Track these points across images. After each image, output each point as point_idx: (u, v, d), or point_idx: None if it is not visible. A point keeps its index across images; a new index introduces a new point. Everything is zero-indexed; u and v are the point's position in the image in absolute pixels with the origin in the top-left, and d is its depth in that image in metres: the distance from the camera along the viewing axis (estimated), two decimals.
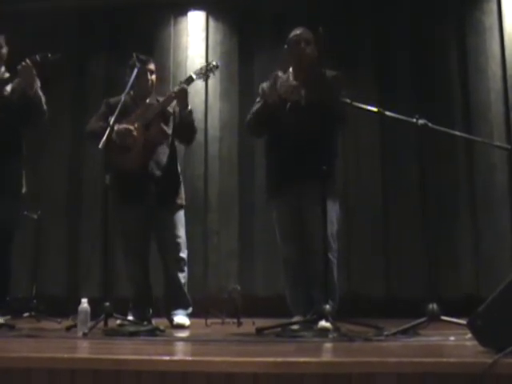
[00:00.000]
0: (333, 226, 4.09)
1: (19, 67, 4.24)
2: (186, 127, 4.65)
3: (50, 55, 4.22)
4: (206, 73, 4.63)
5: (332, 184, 4.09)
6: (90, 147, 4.34)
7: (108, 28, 6.95)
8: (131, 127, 4.51)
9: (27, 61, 4.21)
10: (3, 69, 4.50)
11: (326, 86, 3.98)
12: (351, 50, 6.33)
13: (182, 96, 4.56)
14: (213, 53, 6.80)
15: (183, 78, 6.34)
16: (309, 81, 4.01)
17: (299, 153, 3.94)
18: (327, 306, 3.43)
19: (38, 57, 4.22)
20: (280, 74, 4.30)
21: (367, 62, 6.46)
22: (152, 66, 4.75)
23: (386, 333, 3.27)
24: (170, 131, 4.65)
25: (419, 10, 6.44)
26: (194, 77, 4.61)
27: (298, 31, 4.21)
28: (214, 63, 4.65)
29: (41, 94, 4.38)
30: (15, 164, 4.48)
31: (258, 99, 4.39)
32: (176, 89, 4.59)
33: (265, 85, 4.38)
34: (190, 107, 4.63)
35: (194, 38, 6.87)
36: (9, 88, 4.41)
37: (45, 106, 4.42)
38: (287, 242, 4.25)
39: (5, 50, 4.52)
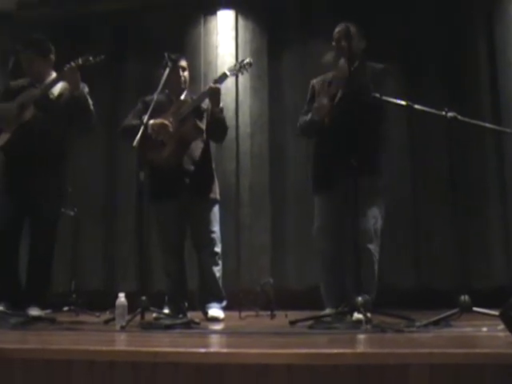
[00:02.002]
0: (376, 221, 4.07)
1: (64, 70, 4.32)
2: (217, 124, 4.65)
3: (91, 58, 4.28)
4: (239, 70, 4.61)
5: (376, 179, 4.07)
6: (125, 143, 4.36)
7: (141, 29, 6.97)
8: (166, 122, 4.52)
9: (72, 64, 4.28)
10: (54, 74, 4.57)
11: (364, 80, 3.95)
12: (379, 44, 6.26)
13: (216, 93, 4.55)
14: (242, 51, 6.79)
15: (214, 76, 6.39)
16: (353, 75, 3.96)
17: (343, 148, 3.90)
18: (359, 298, 3.40)
19: (80, 60, 4.29)
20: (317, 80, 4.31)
21: (395, 56, 6.39)
22: (184, 63, 4.77)
23: (417, 324, 3.24)
24: (204, 127, 4.65)
25: (448, 7, 6.37)
26: (228, 73, 4.60)
27: (338, 27, 4.19)
28: (247, 60, 4.62)
29: (88, 96, 4.45)
30: (62, 165, 4.56)
31: (308, 96, 4.39)
32: (210, 86, 4.59)
33: (315, 81, 4.37)
34: (221, 104, 4.62)
35: (224, 37, 6.87)
36: (56, 92, 4.49)
37: (92, 108, 4.49)
38: (324, 235, 4.22)
39: (53, 56, 4.60)
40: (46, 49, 4.60)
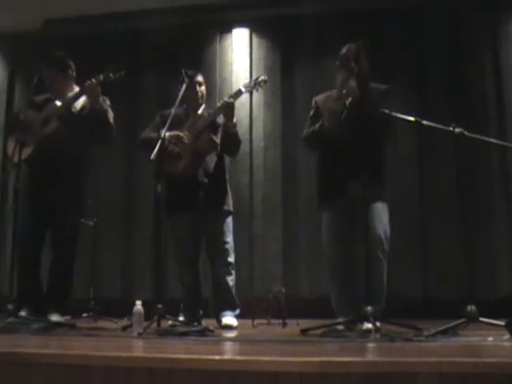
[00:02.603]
0: (386, 229, 4.06)
1: (85, 86, 4.39)
2: (230, 139, 4.63)
3: (111, 74, 4.33)
4: (254, 86, 4.61)
5: (381, 189, 4.06)
6: (143, 154, 4.39)
7: (159, 46, 7.01)
8: (181, 134, 4.53)
9: (92, 80, 4.34)
10: (76, 88, 4.62)
11: (373, 99, 3.94)
12: (388, 62, 6.28)
13: (229, 108, 4.55)
14: (256, 67, 6.83)
15: (229, 91, 6.41)
16: (360, 94, 3.96)
17: (349, 160, 3.89)
18: (369, 308, 3.39)
19: (101, 76, 4.35)
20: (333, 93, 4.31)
21: (403, 74, 6.40)
22: (200, 78, 4.78)
23: (425, 333, 3.22)
24: (218, 141, 4.64)
25: (454, 24, 6.38)
26: (243, 90, 4.60)
27: (344, 49, 4.17)
28: (263, 78, 4.62)
29: (109, 110, 4.53)
30: (80, 177, 4.59)
31: (311, 112, 4.38)
32: (225, 100, 4.59)
33: (319, 98, 4.38)
34: (235, 119, 4.62)
35: (239, 54, 6.91)
36: (78, 105, 4.54)
37: (112, 121, 4.53)
38: (335, 245, 4.20)
39: (72, 71, 4.69)
40: (64, 65, 4.67)
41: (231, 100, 4.54)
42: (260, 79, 4.61)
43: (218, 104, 4.75)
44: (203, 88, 4.82)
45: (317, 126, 4.26)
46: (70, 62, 4.71)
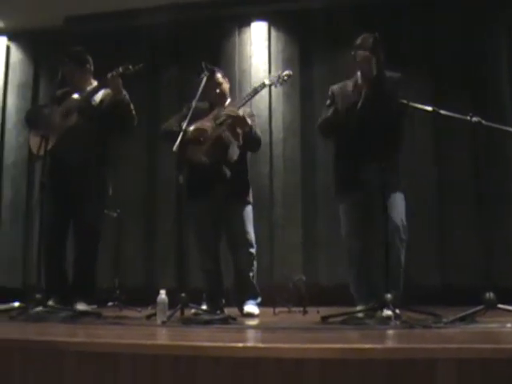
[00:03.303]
0: (403, 217, 4.04)
1: (107, 78, 4.42)
2: (249, 140, 4.61)
3: (131, 67, 4.35)
4: (278, 80, 4.58)
5: (398, 177, 4.04)
6: (165, 145, 4.40)
7: (179, 40, 7.03)
8: (204, 127, 4.52)
9: (113, 73, 4.39)
10: (95, 83, 4.65)
11: (388, 91, 3.91)
12: (403, 52, 6.23)
13: (238, 121, 4.48)
14: (275, 60, 6.82)
15: (248, 84, 6.43)
16: (374, 84, 3.93)
17: (365, 150, 3.87)
18: (389, 295, 3.38)
19: (121, 69, 4.38)
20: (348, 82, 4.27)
21: (420, 64, 6.35)
22: (219, 78, 4.73)
23: (444, 320, 3.21)
24: (240, 132, 4.61)
25: (469, 11, 6.32)
26: (267, 83, 4.57)
27: (360, 39, 4.14)
28: (287, 72, 4.58)
29: (129, 101, 4.52)
30: (103, 169, 4.62)
31: (328, 102, 4.34)
32: (237, 115, 4.50)
33: (335, 87, 4.35)
34: (249, 122, 4.54)
35: (258, 47, 6.91)
36: (97, 98, 4.57)
37: (134, 112, 4.56)
38: (353, 235, 4.17)
39: (90, 66, 4.72)
40: (82, 60, 4.69)
41: (239, 114, 4.46)
42: (285, 73, 4.58)
43: (245, 96, 4.69)
44: (223, 87, 4.78)
45: (330, 112, 4.24)
46: (88, 56, 4.74)
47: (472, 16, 6.33)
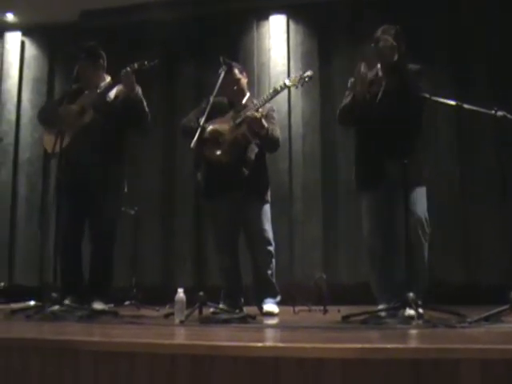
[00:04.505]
0: (426, 213, 4.02)
1: (121, 74, 4.42)
2: (265, 142, 4.62)
3: (146, 62, 4.37)
4: (299, 81, 4.56)
5: (420, 172, 4.02)
6: (183, 140, 4.42)
7: (197, 34, 7.03)
8: (222, 130, 4.53)
9: (127, 69, 4.38)
10: (109, 78, 4.66)
11: (410, 81, 3.89)
12: (428, 45, 6.19)
13: (254, 122, 4.47)
14: (294, 54, 6.82)
15: (267, 77, 6.43)
16: (395, 76, 3.92)
17: (387, 143, 3.86)
18: (411, 294, 3.37)
19: (136, 64, 4.39)
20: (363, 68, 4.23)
21: (443, 57, 6.31)
22: (236, 74, 4.72)
23: (469, 320, 3.20)
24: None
25: (495, 5, 6.27)
26: (288, 84, 4.56)
27: (380, 31, 4.11)
28: (309, 73, 4.56)
29: (142, 97, 4.53)
30: (119, 166, 4.64)
31: (346, 93, 4.32)
32: (250, 114, 4.48)
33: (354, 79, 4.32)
34: (266, 125, 4.51)
35: (276, 41, 6.90)
36: (112, 95, 4.58)
37: (147, 109, 4.57)
38: (375, 232, 4.14)
39: (103, 61, 4.72)
40: (95, 55, 4.68)
41: (256, 116, 4.44)
42: (306, 74, 4.56)
43: (265, 96, 4.67)
44: (241, 82, 4.77)
45: (348, 98, 4.22)
46: (101, 51, 4.73)
47: (497, 7, 6.27)
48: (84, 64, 4.62)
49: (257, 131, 4.50)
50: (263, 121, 4.48)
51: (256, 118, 4.44)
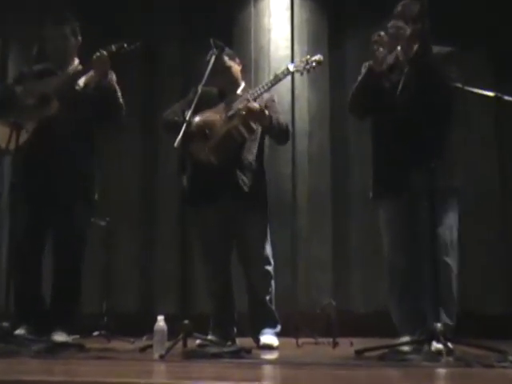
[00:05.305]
0: (452, 230, 4.00)
1: (94, 58, 4.37)
2: (271, 134, 4.66)
3: (126, 45, 4.33)
4: (305, 67, 4.56)
5: (450, 178, 4.00)
6: (167, 137, 4.40)
7: (183, 10, 7.03)
8: (214, 119, 4.51)
9: (103, 52, 4.33)
10: (77, 61, 4.62)
11: (438, 68, 3.88)
12: (462, 23, 6.19)
13: (252, 114, 4.45)
14: (299, 34, 6.80)
15: (266, 64, 6.41)
16: (417, 60, 3.91)
17: (410, 143, 3.85)
18: (439, 325, 3.34)
19: (113, 47, 4.34)
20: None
21: (481, 43, 6.31)
22: (227, 62, 4.71)
23: (510, 358, 3.16)
24: (255, 127, 4.56)
25: None
26: (292, 69, 4.56)
27: (400, 6, 4.09)
28: (317, 58, 4.57)
29: (117, 87, 4.50)
30: (87, 167, 4.60)
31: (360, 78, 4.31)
32: (247, 105, 4.47)
33: (369, 64, 4.29)
34: (267, 113, 4.48)
35: (277, 19, 6.90)
36: (81, 82, 4.53)
37: (121, 100, 4.54)
38: (397, 248, 4.12)
39: (78, 40, 4.65)
40: (75, 28, 4.63)
41: (255, 106, 4.44)
42: (314, 59, 4.56)
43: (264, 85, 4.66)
44: (233, 71, 4.78)
45: (359, 78, 4.19)
46: (76, 25, 4.66)
47: None
48: (54, 39, 4.57)
49: (258, 124, 4.50)
50: (265, 111, 4.47)
51: (255, 109, 4.42)
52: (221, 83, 4.73)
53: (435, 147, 3.72)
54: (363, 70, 4.24)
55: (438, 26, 4.02)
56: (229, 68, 4.74)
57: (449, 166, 4.03)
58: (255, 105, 4.45)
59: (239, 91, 4.76)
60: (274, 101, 4.80)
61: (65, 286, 4.47)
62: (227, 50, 4.79)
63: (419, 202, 3.86)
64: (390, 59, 4.17)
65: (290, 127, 4.94)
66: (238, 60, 4.86)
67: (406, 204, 4.05)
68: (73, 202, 4.45)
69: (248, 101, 4.48)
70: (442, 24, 3.98)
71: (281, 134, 4.70)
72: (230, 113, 4.52)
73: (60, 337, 4.28)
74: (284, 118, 4.80)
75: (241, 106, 4.48)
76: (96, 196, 4.63)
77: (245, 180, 4.57)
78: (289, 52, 6.72)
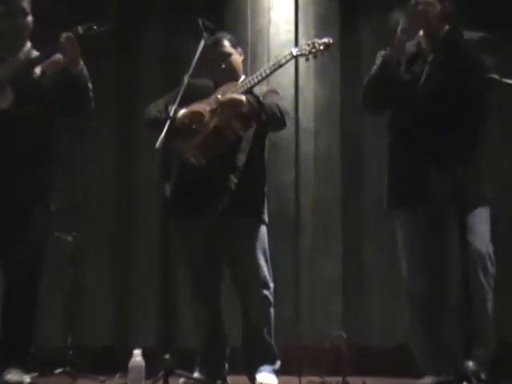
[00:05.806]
0: (488, 243, 4.00)
1: (61, 41, 4.36)
2: (267, 121, 4.61)
3: (95, 27, 4.32)
4: (311, 51, 4.55)
5: (481, 187, 4.00)
6: (150, 135, 4.40)
7: None
8: (201, 110, 4.51)
9: (69, 33, 4.32)
10: (29, 45, 4.61)
11: (470, 56, 3.89)
12: (501, 13, 6.21)
13: (228, 106, 4.45)
14: (304, 15, 6.77)
15: (265, 48, 6.40)
16: (447, 43, 3.92)
17: (434, 146, 3.86)
18: (470, 363, 3.34)
19: (80, 29, 4.33)
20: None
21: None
22: (226, 47, 4.73)
23: None
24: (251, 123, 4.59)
25: None
26: (295, 54, 4.55)
27: None
28: (326, 40, 4.54)
29: (87, 78, 4.50)
30: (45, 170, 4.58)
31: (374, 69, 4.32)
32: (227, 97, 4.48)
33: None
34: (250, 99, 4.46)
35: None
36: (38, 70, 4.51)
37: (91, 93, 4.56)
38: (417, 271, 4.15)
39: (30, 19, 4.62)
40: (21, 9, 4.59)
41: (232, 98, 4.43)
42: (322, 41, 4.55)
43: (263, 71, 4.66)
44: (233, 59, 4.78)
45: (374, 68, 4.23)
46: (27, 3, 4.63)
47: None
48: (11, 17, 4.56)
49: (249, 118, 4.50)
50: (243, 99, 4.43)
51: (232, 100, 4.42)
52: (216, 73, 4.73)
53: (463, 147, 3.73)
54: (378, 62, 4.26)
55: (469, 8, 4.04)
56: (229, 55, 4.74)
57: (479, 171, 4.04)
58: (234, 96, 4.44)
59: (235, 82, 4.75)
60: (274, 91, 4.80)
61: (19, 315, 4.43)
62: (226, 34, 4.82)
63: (445, 213, 3.87)
64: (411, 47, 4.19)
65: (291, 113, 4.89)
66: (239, 49, 4.87)
67: (427, 215, 4.06)
68: (29, 211, 4.43)
69: (236, 88, 4.48)
70: (474, 6, 3.97)
71: (273, 120, 4.59)
72: (216, 105, 4.50)
73: (14, 376, 4.23)
74: (283, 105, 4.71)
75: (220, 95, 4.47)
76: (53, 208, 4.61)
77: (239, 185, 4.57)
78: (292, 36, 6.67)
